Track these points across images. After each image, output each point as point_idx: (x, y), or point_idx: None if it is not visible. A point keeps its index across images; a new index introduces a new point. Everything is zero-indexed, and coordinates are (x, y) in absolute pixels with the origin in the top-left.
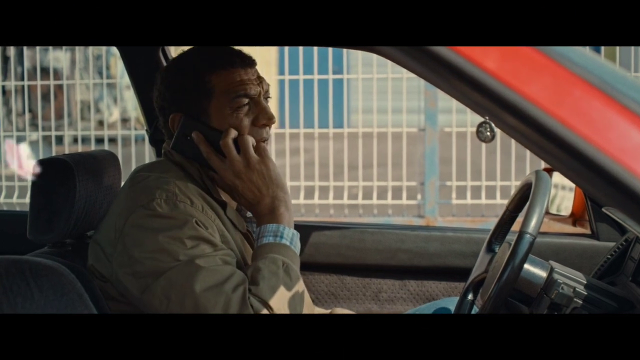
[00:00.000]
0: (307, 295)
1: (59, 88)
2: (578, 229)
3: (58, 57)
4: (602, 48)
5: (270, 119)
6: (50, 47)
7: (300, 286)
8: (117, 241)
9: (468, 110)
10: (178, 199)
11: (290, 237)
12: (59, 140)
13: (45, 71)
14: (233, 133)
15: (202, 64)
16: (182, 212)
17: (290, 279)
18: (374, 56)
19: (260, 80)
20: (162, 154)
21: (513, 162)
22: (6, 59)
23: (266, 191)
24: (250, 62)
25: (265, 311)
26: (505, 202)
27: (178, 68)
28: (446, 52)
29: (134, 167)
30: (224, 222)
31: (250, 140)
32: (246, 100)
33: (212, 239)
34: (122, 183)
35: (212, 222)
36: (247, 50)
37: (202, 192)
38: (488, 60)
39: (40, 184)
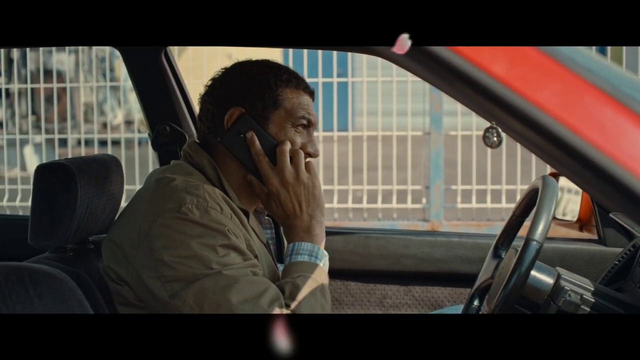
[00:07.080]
0: None
1: (63, 90)
2: (585, 234)
3: (62, 59)
4: (609, 50)
5: (315, 151)
6: (54, 50)
7: (330, 307)
8: (141, 243)
9: (473, 113)
10: (209, 205)
11: (323, 259)
12: (63, 142)
13: (49, 73)
14: (289, 145)
15: (275, 74)
16: (214, 219)
17: (325, 301)
18: (379, 59)
19: (314, 115)
20: (181, 155)
21: (519, 166)
22: (10, 62)
23: (306, 208)
24: (312, 95)
25: None
26: (511, 205)
27: (251, 66)
28: (453, 57)
29: (137, 170)
30: (247, 232)
31: (304, 156)
32: (305, 123)
33: (242, 248)
34: (125, 186)
35: (240, 230)
36: (253, 51)
37: (226, 197)
38: (496, 66)
39: (41, 189)
